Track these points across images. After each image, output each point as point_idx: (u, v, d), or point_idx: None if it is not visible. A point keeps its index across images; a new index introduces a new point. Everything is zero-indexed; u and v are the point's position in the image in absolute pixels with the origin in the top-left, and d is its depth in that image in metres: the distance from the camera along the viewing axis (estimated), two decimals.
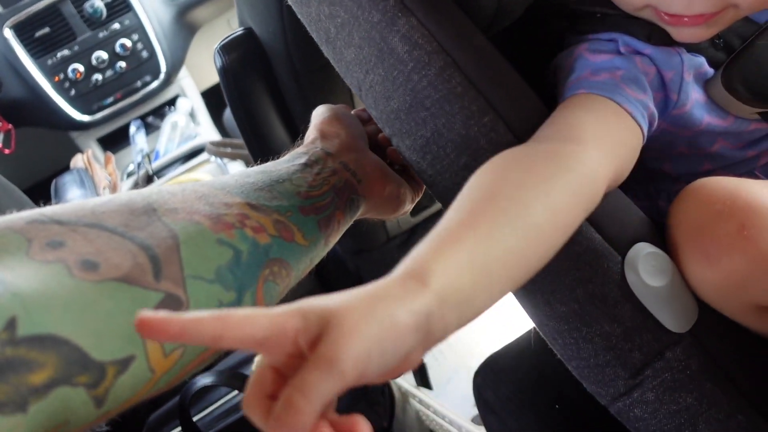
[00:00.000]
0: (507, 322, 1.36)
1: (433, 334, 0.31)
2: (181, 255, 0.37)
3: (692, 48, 0.52)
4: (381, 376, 0.29)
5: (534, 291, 0.49)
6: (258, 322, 0.27)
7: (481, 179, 0.40)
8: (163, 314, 0.25)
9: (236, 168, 1.49)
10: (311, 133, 0.59)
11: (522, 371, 0.75)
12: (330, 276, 1.50)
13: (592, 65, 0.49)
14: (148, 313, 0.25)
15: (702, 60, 0.52)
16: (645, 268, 0.45)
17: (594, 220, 0.45)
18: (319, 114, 0.61)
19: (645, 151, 0.49)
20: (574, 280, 0.46)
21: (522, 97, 0.46)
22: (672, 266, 0.45)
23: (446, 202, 0.51)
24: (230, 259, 0.39)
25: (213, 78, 2.04)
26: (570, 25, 0.55)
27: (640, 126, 0.47)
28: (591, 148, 0.41)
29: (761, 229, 0.40)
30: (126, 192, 0.41)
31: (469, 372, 1.32)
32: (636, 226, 0.46)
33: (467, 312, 0.34)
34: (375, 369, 0.28)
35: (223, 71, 0.94)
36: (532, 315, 0.53)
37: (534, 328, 0.57)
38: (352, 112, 0.64)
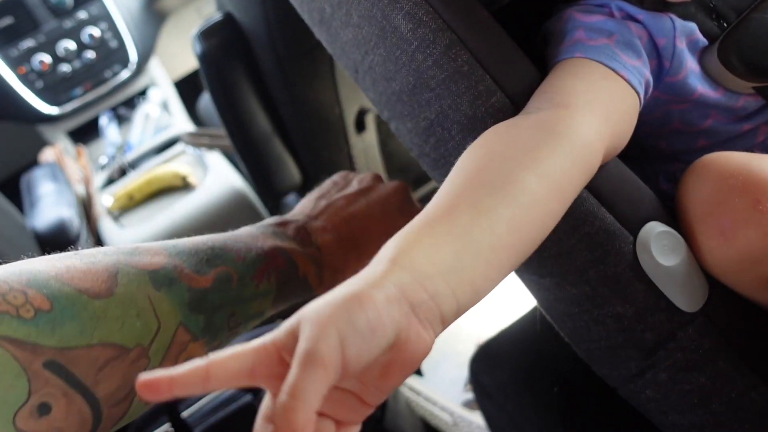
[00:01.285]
0: (496, 307, 1.36)
1: (420, 306, 0.30)
2: None
3: (684, 15, 0.51)
4: (383, 366, 0.29)
5: (543, 274, 0.48)
6: (241, 354, 0.27)
7: (466, 158, 0.39)
8: (155, 375, 0.26)
9: (214, 159, 1.45)
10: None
11: (519, 356, 0.74)
12: None
13: (585, 24, 0.48)
14: (144, 377, 0.26)
15: (693, 26, 0.51)
16: (657, 247, 0.44)
17: (605, 199, 0.44)
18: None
19: (640, 127, 0.48)
20: (586, 261, 0.45)
21: (529, 77, 0.45)
22: (684, 245, 0.45)
23: None
24: None
25: (185, 67, 1.99)
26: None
27: (636, 92, 0.46)
28: (583, 113, 0.40)
29: None
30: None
31: (458, 357, 1.32)
32: (647, 205, 0.46)
33: (463, 281, 0.32)
34: (357, 351, 0.27)
35: (203, 58, 0.91)
36: (540, 298, 0.52)
37: (540, 311, 0.56)
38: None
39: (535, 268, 0.48)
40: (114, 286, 0.35)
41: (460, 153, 0.46)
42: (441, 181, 0.52)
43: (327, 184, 0.58)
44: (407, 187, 0.56)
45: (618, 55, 0.46)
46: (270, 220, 0.52)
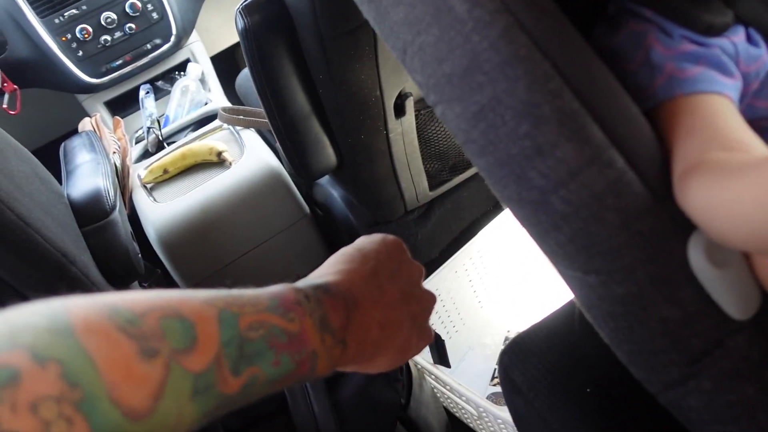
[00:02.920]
0: (525, 301, 1.34)
1: None
2: None
3: (751, 15, 0.49)
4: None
5: (588, 270, 0.46)
6: None
7: None
8: None
9: (249, 136, 1.45)
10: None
11: (553, 353, 0.73)
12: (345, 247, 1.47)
13: (672, 58, 0.47)
14: None
15: (760, 52, 0.50)
16: (711, 251, 0.42)
17: (660, 197, 0.43)
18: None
19: None
20: (635, 260, 0.43)
21: (589, 62, 0.43)
22: (738, 251, 0.43)
23: (496, 175, 0.49)
24: None
25: (224, 43, 1.99)
26: None
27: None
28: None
29: None
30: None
31: (484, 349, 1.31)
32: None
33: None
34: None
35: (244, 33, 0.90)
36: (582, 296, 0.51)
37: (578, 309, 0.54)
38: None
39: (580, 264, 0.47)
40: (158, 400, 0.30)
41: (512, 139, 0.44)
42: (486, 169, 0.51)
43: (378, 250, 0.49)
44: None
45: (717, 77, 0.47)
46: (321, 293, 0.42)
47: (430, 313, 0.51)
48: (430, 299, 0.51)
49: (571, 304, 0.74)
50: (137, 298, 0.33)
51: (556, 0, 0.45)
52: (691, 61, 0.47)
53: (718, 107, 0.46)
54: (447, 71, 0.46)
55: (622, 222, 0.42)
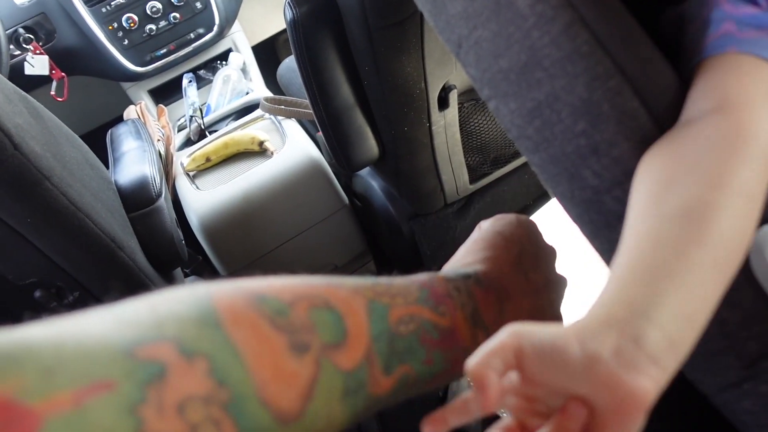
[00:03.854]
0: (578, 294, 1.32)
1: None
2: None
3: None
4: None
5: None
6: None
7: (643, 193, 0.37)
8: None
9: (291, 126, 1.46)
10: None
11: None
12: (382, 239, 1.48)
13: (734, 17, 0.44)
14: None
15: None
16: None
17: None
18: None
19: None
20: None
21: (651, 59, 0.42)
22: None
23: (549, 172, 0.48)
24: None
25: (265, 33, 2.00)
26: None
27: None
28: (760, 112, 0.37)
29: None
30: None
31: None
32: (764, 206, 0.43)
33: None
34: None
35: (292, 24, 0.91)
36: None
37: None
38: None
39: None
40: (308, 401, 0.28)
41: (567, 137, 0.44)
42: (539, 165, 0.50)
43: (520, 234, 0.45)
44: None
45: None
46: (472, 284, 0.39)
47: (563, 298, 0.47)
48: (565, 283, 0.47)
49: None
50: (284, 285, 0.30)
51: None
52: (753, 26, 0.44)
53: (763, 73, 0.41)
54: (504, 66, 0.46)
55: None
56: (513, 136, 0.51)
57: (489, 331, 0.38)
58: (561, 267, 0.47)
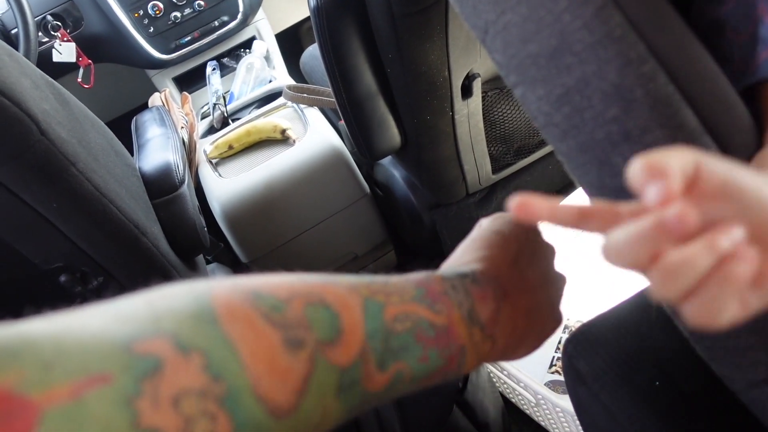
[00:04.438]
0: (588, 290, 1.31)
1: None
2: None
3: None
4: None
5: None
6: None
7: None
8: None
9: (313, 114, 1.46)
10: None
11: (620, 344, 0.71)
12: (403, 229, 1.47)
13: None
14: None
15: None
16: None
17: None
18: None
19: None
20: None
21: (686, 45, 0.41)
22: None
23: (577, 160, 0.47)
24: None
25: (288, 21, 2.00)
26: None
27: None
28: None
29: None
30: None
31: None
32: None
33: None
34: None
35: (316, 11, 0.90)
36: None
37: (656, 301, 0.52)
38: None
39: None
40: (303, 396, 0.28)
41: (598, 123, 0.43)
42: (566, 153, 0.49)
43: (517, 232, 0.45)
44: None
45: None
46: (468, 283, 0.40)
47: (562, 295, 0.47)
48: (563, 280, 0.48)
49: (642, 295, 0.72)
50: (280, 282, 0.31)
51: None
52: None
53: None
54: (533, 52, 0.45)
55: None
56: (540, 124, 0.50)
57: (485, 329, 0.38)
58: (560, 265, 0.46)
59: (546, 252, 0.46)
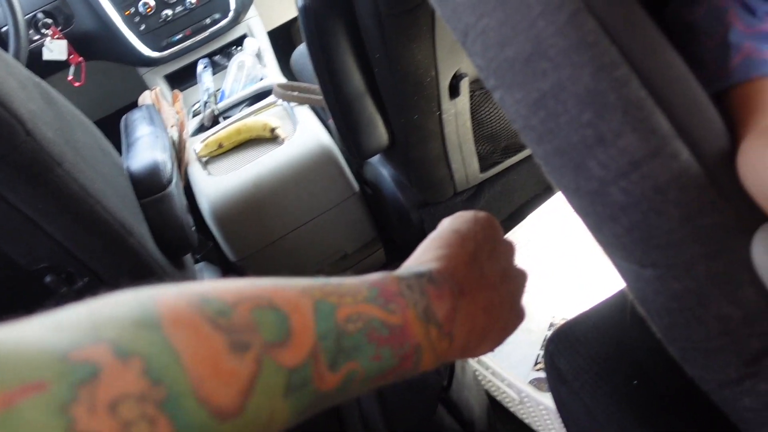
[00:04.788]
0: (571, 289, 1.32)
1: None
2: None
3: None
4: None
5: (645, 264, 0.45)
6: None
7: None
8: None
9: (303, 113, 1.46)
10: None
11: (600, 343, 0.72)
12: (392, 227, 1.48)
13: (752, 38, 0.45)
14: None
15: None
16: None
17: (726, 192, 0.41)
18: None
19: None
20: (695, 255, 0.42)
21: (659, 49, 0.41)
22: None
23: (553, 163, 0.48)
24: None
25: (280, 18, 2.00)
26: None
27: None
28: None
29: None
30: None
31: (529, 335, 1.30)
32: None
33: None
34: None
35: (304, 10, 0.90)
36: (637, 289, 0.50)
37: (630, 301, 0.53)
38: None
39: (637, 257, 0.46)
40: (248, 397, 0.28)
41: (573, 127, 0.43)
42: (543, 157, 0.50)
43: (475, 230, 0.45)
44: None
45: None
46: (425, 282, 0.40)
47: (523, 291, 0.48)
48: (523, 277, 0.49)
49: (621, 295, 0.73)
50: (229, 287, 0.31)
51: None
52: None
53: None
54: (509, 56, 0.45)
55: (684, 216, 0.41)
56: (518, 127, 0.51)
57: (442, 327, 0.39)
58: (520, 261, 0.47)
59: (505, 249, 0.47)
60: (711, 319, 0.44)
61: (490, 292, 0.43)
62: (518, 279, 0.47)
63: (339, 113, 1.04)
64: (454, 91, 1.02)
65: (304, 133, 1.39)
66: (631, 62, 0.40)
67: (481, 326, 0.42)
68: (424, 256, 0.44)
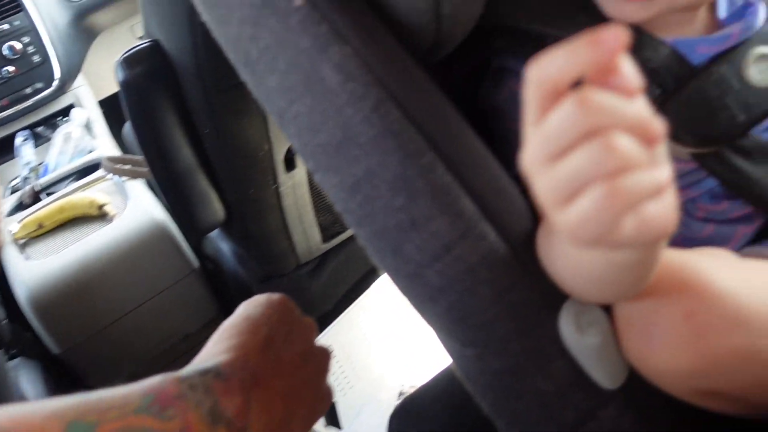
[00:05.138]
0: (419, 356, 1.33)
1: None
2: None
3: None
4: None
5: (466, 343, 0.46)
6: None
7: None
8: None
9: (136, 187, 1.38)
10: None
11: (440, 414, 0.72)
12: (234, 303, 1.42)
13: None
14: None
15: None
16: (580, 322, 0.43)
17: (531, 270, 0.43)
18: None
19: None
20: (509, 332, 0.43)
21: (462, 136, 0.43)
22: (606, 322, 0.43)
23: (374, 246, 0.48)
24: None
25: (112, 88, 1.91)
26: (506, 45, 0.53)
27: None
28: None
29: (709, 318, 0.37)
30: None
31: (379, 405, 1.28)
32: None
33: None
34: None
35: (125, 86, 0.86)
36: (462, 368, 0.50)
37: (459, 380, 0.54)
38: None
39: (458, 336, 0.46)
40: None
41: (388, 211, 0.44)
42: (365, 239, 0.49)
43: (268, 314, 0.45)
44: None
45: None
46: (210, 379, 0.38)
47: (327, 370, 0.48)
48: (326, 355, 0.48)
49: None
50: None
51: (440, 59, 0.45)
52: None
53: None
54: (322, 141, 0.45)
55: (495, 294, 0.42)
56: (339, 210, 0.50)
57: (232, 424, 0.37)
58: (320, 339, 0.47)
59: (303, 329, 0.46)
60: (528, 393, 0.45)
61: (288, 378, 0.42)
62: (320, 358, 0.46)
63: (169, 190, 0.99)
64: (290, 164, 1.01)
65: (136, 209, 1.31)
66: (437, 149, 0.42)
67: (281, 414, 0.40)
68: (214, 348, 0.42)
